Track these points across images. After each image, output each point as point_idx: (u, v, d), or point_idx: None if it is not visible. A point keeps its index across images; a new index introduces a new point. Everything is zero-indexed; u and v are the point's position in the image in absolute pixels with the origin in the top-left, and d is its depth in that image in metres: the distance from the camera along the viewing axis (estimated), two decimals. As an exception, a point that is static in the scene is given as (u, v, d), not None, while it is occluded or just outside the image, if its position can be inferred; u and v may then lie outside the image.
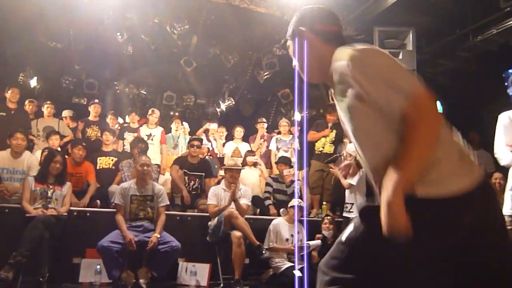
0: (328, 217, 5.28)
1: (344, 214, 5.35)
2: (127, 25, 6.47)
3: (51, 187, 4.53)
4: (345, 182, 5.07)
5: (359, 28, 6.16)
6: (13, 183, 4.76)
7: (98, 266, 4.31)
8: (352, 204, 5.19)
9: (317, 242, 5.00)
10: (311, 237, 5.10)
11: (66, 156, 5.15)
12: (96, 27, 6.51)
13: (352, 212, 5.17)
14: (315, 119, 7.03)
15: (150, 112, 6.84)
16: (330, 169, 5.34)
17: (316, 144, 6.44)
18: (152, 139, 6.51)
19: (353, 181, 4.93)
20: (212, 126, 7.41)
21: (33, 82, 8.14)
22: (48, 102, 6.58)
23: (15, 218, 4.35)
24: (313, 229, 5.23)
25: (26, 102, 6.58)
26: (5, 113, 6.02)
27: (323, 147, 6.36)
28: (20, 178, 4.80)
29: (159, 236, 4.35)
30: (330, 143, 6.39)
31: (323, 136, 6.38)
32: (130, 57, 7.23)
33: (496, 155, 3.36)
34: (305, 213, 5.48)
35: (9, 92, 6.13)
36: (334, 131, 6.38)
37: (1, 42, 6.47)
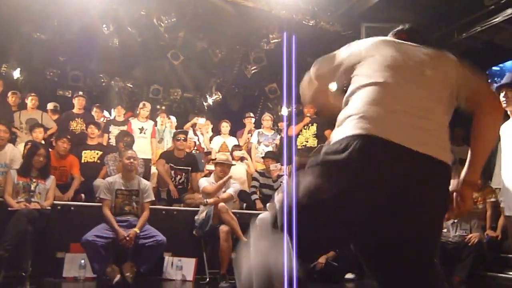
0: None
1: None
2: (113, 17, 6.37)
3: (34, 180, 4.45)
4: None
5: (346, 24, 6.18)
6: (-6, 176, 4.68)
7: (83, 261, 4.27)
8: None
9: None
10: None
11: (50, 149, 5.08)
12: (81, 18, 6.39)
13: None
14: (301, 114, 7.06)
15: (141, 105, 6.80)
16: None
17: (298, 138, 6.49)
18: (144, 133, 6.49)
19: None
20: (200, 121, 7.37)
21: (16, 74, 7.99)
22: (32, 94, 6.48)
23: (-3, 212, 4.28)
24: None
25: (9, 93, 6.46)
26: (-14, 105, 5.91)
27: (307, 141, 6.42)
28: (2, 171, 4.72)
29: (138, 231, 4.30)
30: (313, 137, 6.44)
31: (304, 127, 6.41)
32: (116, 49, 7.12)
33: None
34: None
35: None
36: (315, 124, 6.43)
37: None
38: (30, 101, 6.36)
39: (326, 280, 4.77)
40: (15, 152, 4.96)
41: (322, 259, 4.85)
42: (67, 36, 6.90)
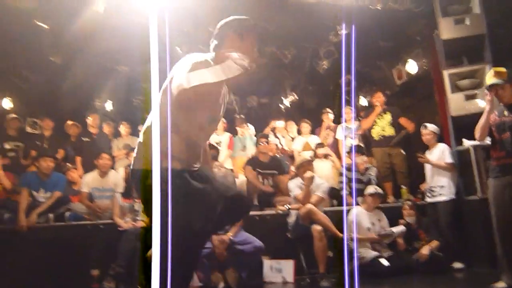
0: (409, 202, 5.07)
1: (429, 200, 5.11)
2: (185, 39, 6.70)
3: (136, 201, 4.85)
4: (442, 164, 4.89)
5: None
6: (104, 201, 5.17)
7: (188, 271, 4.52)
8: (442, 187, 4.95)
9: (401, 228, 4.83)
10: (393, 224, 4.94)
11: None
12: (162, 46, 6.80)
13: (443, 195, 4.93)
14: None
15: None
16: (419, 158, 5.13)
17: (373, 130, 6.28)
18: (221, 146, 6.75)
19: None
20: (278, 124, 7.44)
21: (108, 106, 8.77)
22: (123, 122, 7.04)
23: (110, 233, 4.72)
24: (394, 216, 5.06)
25: (104, 124, 7.10)
26: (89, 138, 6.56)
27: (384, 131, 6.19)
28: (109, 195, 5.20)
29: (232, 235, 4.45)
30: (389, 125, 6.20)
31: (377, 116, 6.15)
32: (191, 68, 7.47)
33: None
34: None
35: (89, 118, 6.67)
36: (389, 112, 6.18)
37: (75, 72, 7.01)
38: (123, 128, 6.92)
39: (432, 272, 4.53)
40: (117, 177, 5.43)
41: (425, 250, 4.62)
42: (147, 65, 7.39)
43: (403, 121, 6.20)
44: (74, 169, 6.12)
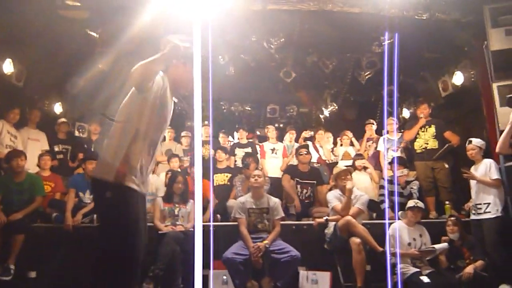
0: (452, 218, 4.88)
1: (474, 217, 4.90)
2: (228, 48, 6.83)
3: (177, 205, 4.96)
4: (488, 180, 4.70)
5: (465, 9, 5.66)
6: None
7: (225, 277, 4.57)
8: (488, 204, 4.74)
9: (444, 245, 4.65)
10: (435, 240, 4.76)
11: (187, 176, 5.59)
12: (204, 55, 6.97)
13: (488, 212, 4.72)
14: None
15: (266, 130, 7.25)
16: (464, 174, 4.96)
17: (416, 142, 6.10)
18: (276, 153, 6.86)
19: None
20: (307, 134, 7.40)
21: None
22: (168, 127, 7.23)
23: (150, 236, 4.82)
24: (437, 232, 4.88)
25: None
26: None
27: (427, 143, 6.00)
28: (150, 199, 5.34)
29: (268, 243, 4.46)
30: (433, 138, 6.00)
31: (420, 129, 5.98)
32: (232, 77, 7.61)
33: None
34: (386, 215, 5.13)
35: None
36: (433, 125, 6.00)
37: (122, 79, 7.28)
38: (167, 134, 7.12)
39: (476, 292, 4.32)
40: (159, 181, 5.59)
41: (469, 269, 4.42)
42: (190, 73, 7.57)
43: (448, 135, 6.01)
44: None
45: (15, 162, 4.89)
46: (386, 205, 5.41)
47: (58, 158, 6.33)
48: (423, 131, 6.14)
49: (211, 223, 4.83)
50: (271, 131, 7.11)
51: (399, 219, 5.02)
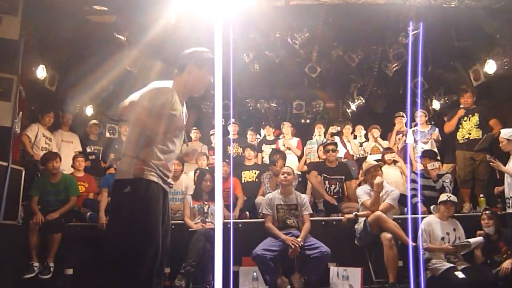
0: (487, 212, 4.73)
1: (510, 210, 4.74)
2: (252, 45, 6.84)
3: (206, 203, 5.03)
4: None
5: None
6: (175, 203, 5.41)
7: (255, 273, 4.60)
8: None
9: (479, 239, 4.52)
10: (469, 234, 4.63)
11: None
12: (226, 52, 7.02)
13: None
14: (456, 105, 6.44)
15: (281, 126, 7.24)
16: (490, 163, 4.81)
17: (458, 132, 5.88)
18: (290, 150, 6.84)
19: None
20: (334, 129, 7.32)
21: (179, 112, 9.15)
22: (194, 128, 7.34)
23: (180, 233, 4.92)
24: (471, 226, 4.75)
25: (177, 130, 7.43)
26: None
27: (470, 133, 5.78)
28: (180, 198, 5.44)
29: (301, 240, 4.46)
30: (476, 128, 5.77)
31: (460, 118, 5.78)
32: (257, 74, 7.62)
33: None
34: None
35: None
36: (476, 114, 5.77)
37: (149, 81, 7.41)
38: (193, 134, 7.20)
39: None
40: (188, 180, 5.67)
41: (507, 264, 4.27)
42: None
43: (493, 123, 5.68)
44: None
45: (51, 164, 5.07)
46: (419, 199, 5.29)
47: (90, 158, 6.52)
48: (466, 121, 5.89)
49: (231, 221, 4.88)
50: (286, 127, 7.13)
51: (431, 213, 4.91)
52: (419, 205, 5.17)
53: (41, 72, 5.93)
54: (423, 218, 4.73)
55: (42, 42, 5.75)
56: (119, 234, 2.36)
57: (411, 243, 4.26)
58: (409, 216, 4.68)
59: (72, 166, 5.82)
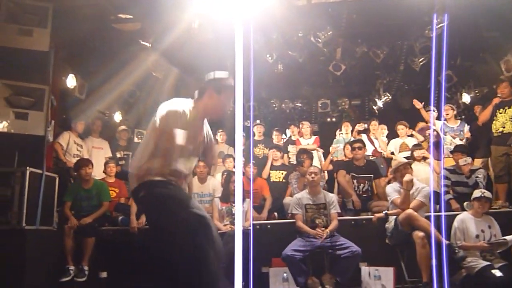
0: (525, 207, 4.56)
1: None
2: (275, 46, 6.83)
3: (233, 204, 5.05)
4: None
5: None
6: (203, 205, 5.46)
7: (285, 274, 4.59)
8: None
9: (516, 236, 4.36)
10: (506, 231, 4.47)
11: (243, 176, 5.67)
12: (248, 55, 7.04)
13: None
14: (487, 98, 6.23)
15: (300, 125, 7.25)
16: None
17: (493, 125, 5.67)
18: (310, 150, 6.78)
19: None
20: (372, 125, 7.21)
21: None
22: (220, 130, 7.38)
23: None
24: (507, 222, 4.58)
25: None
26: (189, 146, 6.98)
27: (504, 127, 5.56)
28: (208, 200, 5.50)
29: (328, 231, 4.47)
30: (511, 121, 5.55)
31: (498, 110, 5.58)
32: (281, 74, 7.61)
33: None
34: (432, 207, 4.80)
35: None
36: None
37: (175, 85, 7.53)
38: (220, 136, 7.26)
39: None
40: (215, 182, 5.71)
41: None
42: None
43: None
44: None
45: (84, 170, 5.22)
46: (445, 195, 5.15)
47: (120, 164, 6.67)
48: (501, 113, 5.63)
49: (251, 222, 4.90)
50: (305, 127, 7.12)
51: (464, 210, 4.77)
52: (442, 201, 5.05)
53: (71, 81, 6.10)
54: (456, 215, 4.61)
55: (71, 52, 5.92)
56: (157, 239, 2.42)
57: (433, 240, 4.14)
58: (432, 213, 4.55)
59: (103, 172, 5.96)
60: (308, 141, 7.00)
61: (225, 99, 2.62)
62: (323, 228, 4.55)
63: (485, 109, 5.87)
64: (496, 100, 5.69)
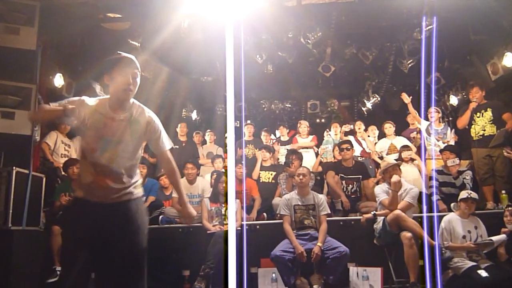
0: (510, 208, 4.62)
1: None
2: (264, 46, 6.84)
3: (223, 205, 5.04)
4: None
5: (513, -14, 5.36)
6: (192, 206, 5.42)
7: (274, 275, 4.59)
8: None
9: (502, 236, 4.42)
10: (492, 232, 4.53)
11: (231, 176, 5.66)
12: (237, 55, 7.04)
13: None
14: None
15: (298, 125, 7.19)
16: (505, 153, 4.70)
17: (472, 129, 5.77)
18: (307, 148, 6.84)
19: None
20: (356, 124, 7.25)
21: (194, 115, 9.23)
22: (209, 130, 7.37)
23: (198, 236, 4.96)
24: (494, 223, 4.64)
25: (194, 133, 7.51)
26: (178, 146, 6.97)
27: (484, 130, 5.66)
28: (197, 201, 5.47)
29: (321, 245, 4.43)
30: (490, 124, 5.65)
31: (476, 114, 5.67)
32: (271, 75, 7.62)
33: None
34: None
35: (179, 127, 7.09)
36: (489, 109, 5.65)
37: (164, 85, 7.49)
38: (208, 136, 7.25)
39: None
40: (205, 182, 5.70)
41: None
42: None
43: (506, 116, 5.56)
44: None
45: (72, 170, 5.16)
46: (434, 197, 5.21)
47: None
48: (479, 117, 5.76)
49: (243, 223, 4.88)
50: (303, 127, 7.12)
51: (451, 211, 4.83)
52: (435, 202, 5.10)
53: (58, 80, 6.02)
54: (443, 216, 4.66)
55: (59, 51, 5.85)
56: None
57: (426, 241, 4.19)
58: (424, 214, 4.60)
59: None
60: (306, 140, 7.01)
61: (117, 75, 2.43)
62: (317, 245, 4.48)
63: (463, 114, 5.96)
64: (472, 105, 5.79)
